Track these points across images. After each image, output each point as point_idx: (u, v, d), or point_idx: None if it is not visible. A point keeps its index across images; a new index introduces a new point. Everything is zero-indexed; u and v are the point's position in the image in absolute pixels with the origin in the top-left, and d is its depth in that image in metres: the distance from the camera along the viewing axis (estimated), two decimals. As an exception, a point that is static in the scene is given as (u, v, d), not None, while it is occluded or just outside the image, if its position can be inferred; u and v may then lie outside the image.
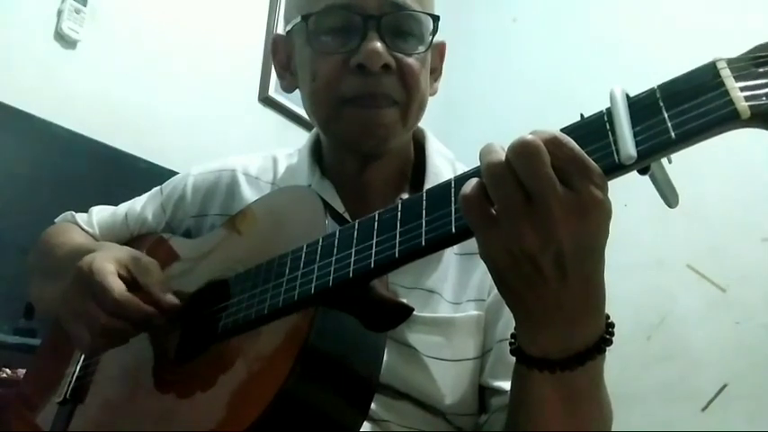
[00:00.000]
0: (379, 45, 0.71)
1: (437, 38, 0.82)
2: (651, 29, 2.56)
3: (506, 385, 0.71)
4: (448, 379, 0.72)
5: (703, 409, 2.16)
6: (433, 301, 0.74)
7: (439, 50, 0.85)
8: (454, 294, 0.76)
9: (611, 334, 0.52)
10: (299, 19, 0.76)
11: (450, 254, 0.77)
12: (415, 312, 0.71)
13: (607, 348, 0.52)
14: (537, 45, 2.86)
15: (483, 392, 0.75)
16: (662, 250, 2.32)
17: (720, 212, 2.22)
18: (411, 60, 0.74)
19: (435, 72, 0.85)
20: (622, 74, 2.43)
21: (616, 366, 2.54)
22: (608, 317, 0.52)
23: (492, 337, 0.74)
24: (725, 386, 2.14)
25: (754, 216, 2.20)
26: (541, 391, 0.54)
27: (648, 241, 2.29)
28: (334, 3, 0.73)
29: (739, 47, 0.44)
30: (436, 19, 0.76)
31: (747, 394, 2.09)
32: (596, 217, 0.44)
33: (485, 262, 0.49)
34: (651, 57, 2.43)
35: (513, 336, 0.55)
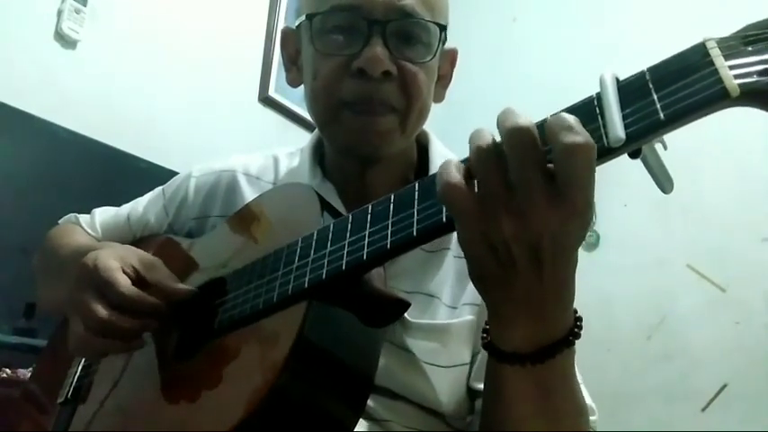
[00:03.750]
0: (381, 51, 0.70)
1: (448, 44, 0.81)
2: (651, 28, 2.56)
3: None
4: (445, 385, 0.72)
5: (703, 409, 2.16)
6: (432, 306, 0.74)
7: (450, 57, 0.84)
8: (452, 298, 0.75)
9: (580, 328, 0.52)
10: (304, 17, 0.75)
11: (451, 257, 0.77)
12: (414, 319, 0.71)
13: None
14: (537, 45, 2.86)
15: (469, 394, 0.75)
16: (662, 250, 2.32)
17: (720, 212, 2.22)
18: (414, 68, 0.73)
19: (444, 79, 0.84)
20: (622, 73, 2.43)
21: (616, 366, 2.55)
22: (576, 311, 0.52)
23: (481, 340, 0.74)
24: (725, 386, 2.14)
25: (754, 216, 2.20)
26: (513, 386, 0.55)
27: (648, 241, 2.30)
28: (340, 4, 0.72)
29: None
30: (443, 28, 0.75)
31: (747, 394, 2.09)
32: (576, 218, 0.44)
33: (462, 248, 0.49)
34: (651, 56, 2.43)
35: (485, 330, 0.55)
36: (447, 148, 0.87)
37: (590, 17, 2.75)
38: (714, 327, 2.20)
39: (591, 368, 0.55)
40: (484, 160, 0.44)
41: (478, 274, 0.50)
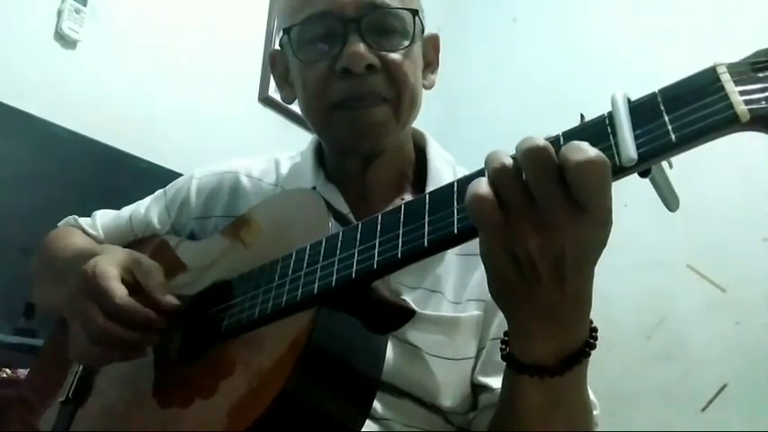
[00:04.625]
0: (360, 47, 0.72)
1: (429, 30, 0.83)
2: (650, 28, 2.56)
3: (494, 382, 0.72)
4: (450, 378, 0.73)
5: (703, 409, 2.16)
6: (435, 300, 0.75)
7: (432, 43, 0.86)
8: (455, 294, 0.76)
9: (595, 338, 0.54)
10: (282, 32, 0.78)
11: (452, 254, 0.78)
12: (419, 310, 0.72)
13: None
14: (537, 45, 2.86)
15: (473, 389, 0.75)
16: (662, 250, 2.32)
17: (720, 212, 2.22)
18: (396, 56, 0.75)
19: (432, 65, 0.86)
20: (622, 73, 2.43)
21: (616, 366, 2.56)
22: (591, 322, 0.54)
23: (487, 335, 0.76)
24: (725, 386, 2.14)
25: (754, 216, 2.20)
26: (530, 395, 0.56)
27: (648, 241, 2.30)
28: (313, 12, 0.74)
29: (739, 48, 0.44)
30: (415, 13, 0.77)
31: (747, 394, 2.09)
32: (599, 228, 0.45)
33: (484, 263, 0.50)
34: (650, 56, 2.43)
35: (503, 342, 0.56)
36: (444, 150, 0.87)
37: (590, 17, 2.75)
38: (714, 327, 2.20)
39: (591, 368, 0.56)
40: (504, 178, 0.45)
41: (501, 288, 0.51)
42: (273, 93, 2.40)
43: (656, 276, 2.32)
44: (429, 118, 0.82)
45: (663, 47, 2.44)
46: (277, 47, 0.85)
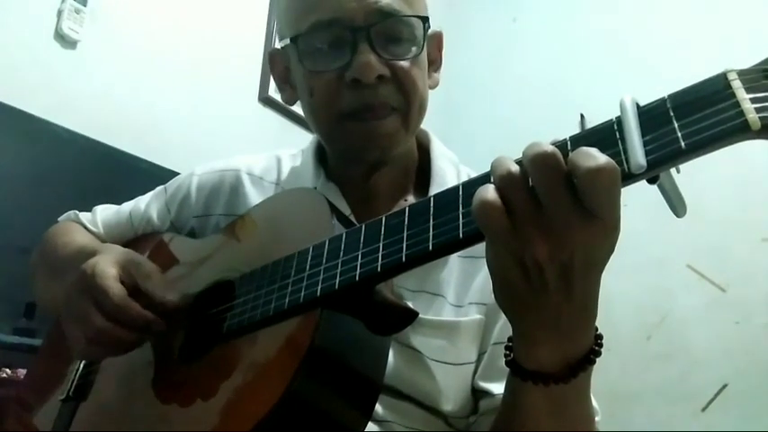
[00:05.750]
0: (371, 57, 0.71)
1: (432, 28, 0.82)
2: (651, 29, 2.56)
3: (496, 388, 0.72)
4: (451, 382, 0.73)
5: (703, 409, 2.16)
6: (437, 304, 0.75)
7: (436, 41, 0.85)
8: (457, 297, 0.76)
9: (600, 345, 0.53)
10: (288, 40, 0.76)
11: (454, 257, 0.77)
12: (420, 315, 0.72)
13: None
14: (537, 45, 2.86)
15: (473, 394, 0.75)
16: (662, 250, 2.32)
17: (720, 213, 2.22)
18: (405, 65, 0.74)
19: (435, 63, 0.85)
20: (622, 74, 2.43)
21: (616, 366, 2.56)
22: (596, 329, 0.53)
23: (488, 339, 0.75)
24: (725, 386, 2.14)
25: (754, 216, 2.21)
26: (533, 402, 0.55)
27: (648, 241, 2.30)
28: (320, 20, 0.72)
29: (734, 48, 0.44)
30: (425, 20, 0.76)
31: (747, 394, 2.09)
32: (608, 235, 0.45)
33: (491, 270, 0.49)
34: (651, 56, 2.43)
35: (507, 348, 0.56)
36: (447, 149, 0.87)
37: (590, 17, 2.75)
38: (714, 327, 2.20)
39: (591, 369, 0.56)
40: (511, 184, 0.45)
41: (507, 294, 0.50)
42: (273, 93, 2.40)
43: (656, 276, 2.33)
44: (429, 117, 0.82)
45: (663, 46, 2.44)
46: (277, 46, 0.84)
